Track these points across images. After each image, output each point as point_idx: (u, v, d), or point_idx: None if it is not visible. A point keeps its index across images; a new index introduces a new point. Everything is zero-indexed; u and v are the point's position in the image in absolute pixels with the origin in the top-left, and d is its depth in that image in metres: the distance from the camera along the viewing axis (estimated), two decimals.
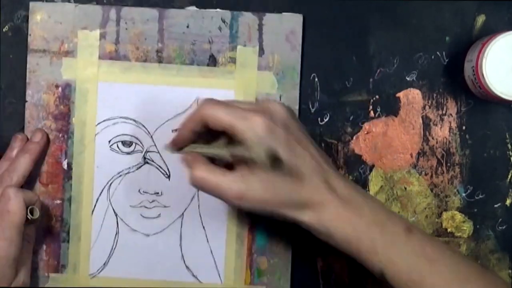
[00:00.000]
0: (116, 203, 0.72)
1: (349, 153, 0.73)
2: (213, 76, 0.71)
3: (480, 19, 0.72)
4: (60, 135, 0.72)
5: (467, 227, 0.73)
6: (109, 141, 0.72)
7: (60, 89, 0.72)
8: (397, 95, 0.73)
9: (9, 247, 0.64)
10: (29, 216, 0.65)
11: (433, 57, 0.72)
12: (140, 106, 0.72)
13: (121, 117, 0.72)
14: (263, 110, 0.62)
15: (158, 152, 0.72)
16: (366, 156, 0.73)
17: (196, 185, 0.63)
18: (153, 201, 0.72)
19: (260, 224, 0.72)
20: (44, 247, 0.72)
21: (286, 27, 0.71)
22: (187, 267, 0.72)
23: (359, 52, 0.72)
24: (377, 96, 0.72)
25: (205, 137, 0.64)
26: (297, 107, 0.72)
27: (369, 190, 0.73)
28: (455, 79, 0.72)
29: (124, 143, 0.72)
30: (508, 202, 0.73)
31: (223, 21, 0.71)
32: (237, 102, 0.66)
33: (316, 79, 0.72)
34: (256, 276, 0.72)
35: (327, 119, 0.73)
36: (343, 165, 0.73)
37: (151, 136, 0.71)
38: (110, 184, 0.72)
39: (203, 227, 0.72)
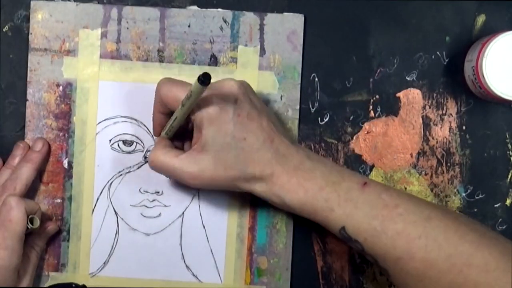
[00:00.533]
0: (116, 202, 0.72)
1: (349, 153, 0.73)
2: (214, 76, 0.71)
3: (480, 19, 0.72)
4: (61, 133, 0.72)
5: None
6: (110, 140, 0.72)
7: (61, 88, 0.72)
8: (397, 95, 0.73)
9: (11, 257, 0.64)
10: (29, 226, 0.65)
11: (433, 57, 0.72)
12: (140, 105, 0.71)
13: (122, 116, 0.72)
14: (215, 87, 0.64)
15: None
16: (366, 156, 0.73)
17: (151, 165, 0.67)
18: (153, 200, 0.72)
19: (261, 224, 0.72)
20: (45, 246, 0.72)
21: (287, 27, 0.71)
22: (187, 266, 0.72)
23: (359, 52, 0.72)
24: (377, 96, 0.73)
25: None
26: (297, 107, 0.72)
27: None
28: (455, 79, 0.72)
29: (125, 142, 0.72)
30: (508, 202, 0.73)
31: (224, 21, 0.71)
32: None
33: (316, 79, 0.72)
34: (256, 276, 0.72)
35: (327, 119, 0.73)
36: (343, 165, 0.73)
37: (152, 136, 0.71)
38: (111, 183, 0.72)
39: (204, 227, 0.72)
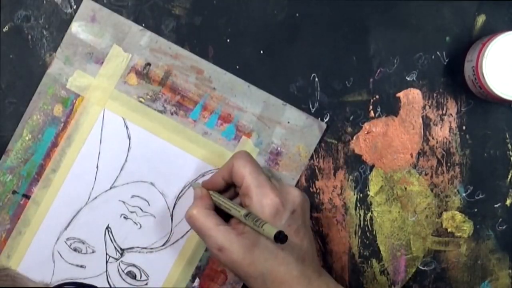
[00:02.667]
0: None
1: (349, 153, 0.73)
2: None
3: (480, 19, 0.72)
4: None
5: (467, 227, 0.73)
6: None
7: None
8: (397, 95, 0.73)
9: None
10: None
11: (433, 57, 0.72)
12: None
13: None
14: (281, 191, 0.66)
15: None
16: (366, 156, 0.73)
17: (187, 221, 0.67)
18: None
19: None
20: None
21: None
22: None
23: (359, 52, 0.72)
24: (377, 96, 0.73)
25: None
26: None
27: (369, 190, 0.73)
28: (455, 79, 0.72)
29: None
30: (508, 202, 0.73)
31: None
32: (266, 170, 0.70)
33: (316, 79, 0.72)
34: None
35: (327, 119, 0.73)
36: (343, 165, 0.73)
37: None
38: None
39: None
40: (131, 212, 0.72)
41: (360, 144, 0.73)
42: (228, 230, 0.65)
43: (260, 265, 0.64)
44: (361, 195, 0.73)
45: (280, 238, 0.60)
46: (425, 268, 0.73)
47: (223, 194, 0.70)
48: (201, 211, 0.67)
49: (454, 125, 0.73)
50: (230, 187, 0.70)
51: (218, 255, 0.65)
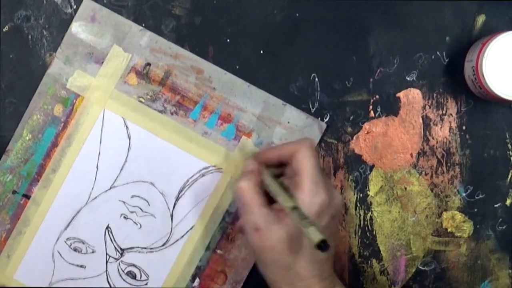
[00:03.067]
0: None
1: (349, 153, 0.73)
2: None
3: (480, 19, 0.72)
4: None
5: (467, 227, 0.73)
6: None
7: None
8: (397, 95, 0.73)
9: None
10: None
11: (433, 57, 0.72)
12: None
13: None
14: (331, 193, 0.65)
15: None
16: (366, 156, 0.73)
17: (236, 190, 0.66)
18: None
19: None
20: None
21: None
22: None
23: (359, 52, 0.72)
24: (377, 96, 0.73)
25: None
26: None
27: (369, 190, 0.73)
28: (455, 79, 0.72)
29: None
30: (508, 202, 0.73)
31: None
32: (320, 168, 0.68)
33: (316, 79, 0.72)
34: None
35: (327, 119, 0.73)
36: (343, 165, 0.73)
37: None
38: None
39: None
40: (131, 212, 0.72)
41: (360, 144, 0.73)
42: (270, 214, 0.64)
43: (289, 257, 0.64)
44: (361, 195, 0.73)
45: (322, 247, 0.59)
46: (425, 268, 0.73)
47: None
48: (252, 186, 0.65)
49: (454, 125, 0.73)
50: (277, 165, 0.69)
51: (253, 234, 0.64)
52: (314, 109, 0.72)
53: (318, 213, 0.64)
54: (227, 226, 0.73)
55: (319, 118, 0.72)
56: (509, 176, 0.73)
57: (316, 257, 0.64)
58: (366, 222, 0.73)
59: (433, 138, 0.73)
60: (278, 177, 0.67)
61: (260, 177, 0.67)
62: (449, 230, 0.73)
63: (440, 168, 0.73)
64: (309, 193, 0.64)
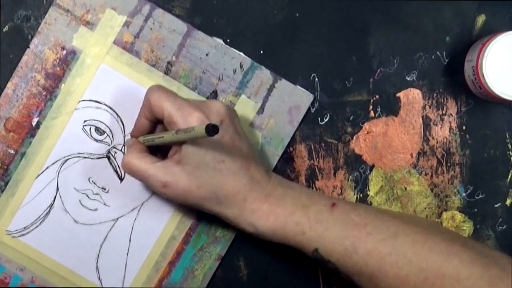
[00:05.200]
0: (62, 179, 0.72)
1: (349, 153, 0.73)
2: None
3: (480, 19, 0.72)
4: (44, 93, 0.71)
5: (467, 227, 0.73)
6: (85, 121, 0.71)
7: (64, 51, 0.71)
8: (397, 95, 0.73)
9: None
10: None
11: (433, 57, 0.72)
12: (127, 103, 0.71)
13: (106, 105, 0.71)
14: (203, 107, 0.65)
15: (123, 153, 0.72)
16: (366, 156, 0.73)
17: (125, 169, 0.67)
18: (96, 194, 0.72)
19: (182, 263, 0.72)
20: None
21: (294, 99, 0.72)
22: (97, 267, 0.72)
23: (359, 52, 0.72)
24: (377, 96, 0.73)
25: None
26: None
27: (369, 190, 0.73)
28: (455, 79, 0.72)
29: (97, 129, 0.72)
30: (508, 202, 0.73)
31: (241, 66, 0.71)
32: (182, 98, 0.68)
33: (316, 79, 0.72)
34: None
35: (327, 119, 0.73)
36: (343, 165, 0.73)
37: (124, 135, 0.71)
38: (66, 160, 0.72)
39: (130, 240, 0.72)
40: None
41: (360, 144, 0.73)
42: (166, 163, 0.65)
43: (208, 184, 0.64)
44: (361, 195, 0.73)
45: (211, 129, 0.58)
46: None
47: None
48: (134, 155, 0.66)
49: (454, 125, 0.73)
50: (157, 126, 0.70)
51: (165, 191, 0.65)
52: (314, 109, 0.72)
53: None
54: None
55: (319, 118, 0.72)
56: (509, 176, 0.73)
57: (232, 168, 0.64)
58: None
59: (433, 138, 0.73)
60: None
61: (141, 145, 0.68)
62: None
63: (440, 168, 0.73)
64: (181, 119, 0.64)
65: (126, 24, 0.71)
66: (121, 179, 0.72)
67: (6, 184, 0.72)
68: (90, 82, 0.71)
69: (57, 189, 0.72)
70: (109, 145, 0.72)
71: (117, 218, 0.72)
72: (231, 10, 0.72)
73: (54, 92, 0.72)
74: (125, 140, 0.72)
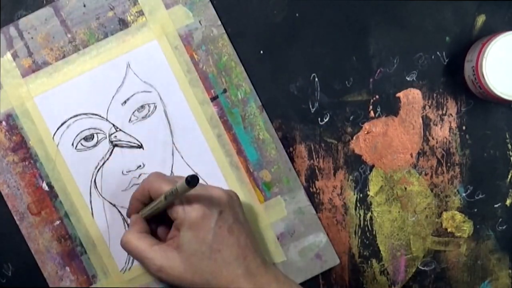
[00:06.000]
0: (108, 195, 0.72)
1: (349, 153, 0.73)
2: (131, 37, 0.71)
3: (480, 19, 0.72)
4: (26, 163, 0.72)
5: (467, 227, 0.73)
6: (72, 144, 0.72)
7: (4, 123, 0.72)
8: (397, 95, 0.73)
9: None
10: None
11: (433, 57, 0.72)
12: (81, 98, 0.72)
13: (71, 118, 0.72)
14: (203, 192, 0.65)
15: (121, 130, 0.72)
16: (366, 156, 0.73)
17: (123, 247, 0.68)
18: (140, 175, 0.72)
19: (245, 142, 0.72)
20: (67, 268, 0.72)
21: None
22: None
23: (359, 52, 0.72)
24: (377, 96, 0.73)
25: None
26: (219, 23, 0.72)
27: (369, 190, 0.73)
28: (455, 79, 0.72)
29: (86, 138, 0.72)
30: (508, 202, 0.73)
31: None
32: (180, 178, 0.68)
33: (316, 79, 0.72)
34: (266, 191, 0.72)
35: (327, 119, 0.73)
36: (343, 165, 0.73)
37: (107, 119, 0.71)
38: (95, 181, 0.72)
39: (195, 173, 0.72)
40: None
41: (360, 144, 0.73)
42: (163, 247, 0.66)
43: (202, 272, 0.64)
44: (361, 195, 0.73)
45: (190, 181, 0.59)
46: (425, 268, 0.73)
47: None
48: (134, 234, 0.67)
49: (454, 125, 0.73)
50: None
51: (160, 275, 0.65)
52: (314, 109, 0.72)
53: (199, 219, 0.64)
54: None
55: (319, 118, 0.73)
56: (509, 176, 0.73)
57: (227, 258, 0.64)
58: (366, 222, 0.73)
59: (433, 138, 0.73)
60: None
61: (143, 224, 0.69)
62: (449, 230, 0.73)
63: (440, 168, 0.73)
64: (181, 210, 0.65)
65: (15, 56, 0.71)
66: (141, 146, 0.72)
67: (82, 245, 0.72)
68: (43, 118, 0.72)
69: (113, 205, 0.72)
70: (106, 137, 0.72)
71: (171, 171, 0.72)
72: (231, 10, 0.72)
73: (31, 153, 0.72)
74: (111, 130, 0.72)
